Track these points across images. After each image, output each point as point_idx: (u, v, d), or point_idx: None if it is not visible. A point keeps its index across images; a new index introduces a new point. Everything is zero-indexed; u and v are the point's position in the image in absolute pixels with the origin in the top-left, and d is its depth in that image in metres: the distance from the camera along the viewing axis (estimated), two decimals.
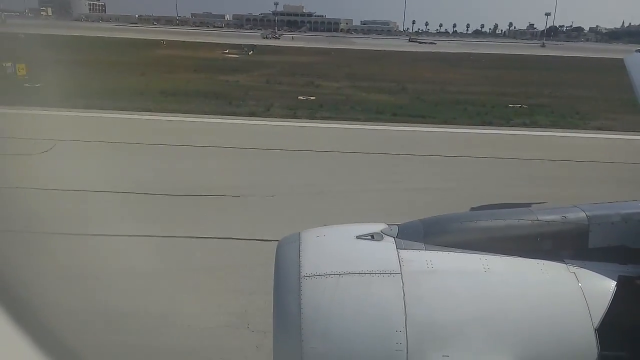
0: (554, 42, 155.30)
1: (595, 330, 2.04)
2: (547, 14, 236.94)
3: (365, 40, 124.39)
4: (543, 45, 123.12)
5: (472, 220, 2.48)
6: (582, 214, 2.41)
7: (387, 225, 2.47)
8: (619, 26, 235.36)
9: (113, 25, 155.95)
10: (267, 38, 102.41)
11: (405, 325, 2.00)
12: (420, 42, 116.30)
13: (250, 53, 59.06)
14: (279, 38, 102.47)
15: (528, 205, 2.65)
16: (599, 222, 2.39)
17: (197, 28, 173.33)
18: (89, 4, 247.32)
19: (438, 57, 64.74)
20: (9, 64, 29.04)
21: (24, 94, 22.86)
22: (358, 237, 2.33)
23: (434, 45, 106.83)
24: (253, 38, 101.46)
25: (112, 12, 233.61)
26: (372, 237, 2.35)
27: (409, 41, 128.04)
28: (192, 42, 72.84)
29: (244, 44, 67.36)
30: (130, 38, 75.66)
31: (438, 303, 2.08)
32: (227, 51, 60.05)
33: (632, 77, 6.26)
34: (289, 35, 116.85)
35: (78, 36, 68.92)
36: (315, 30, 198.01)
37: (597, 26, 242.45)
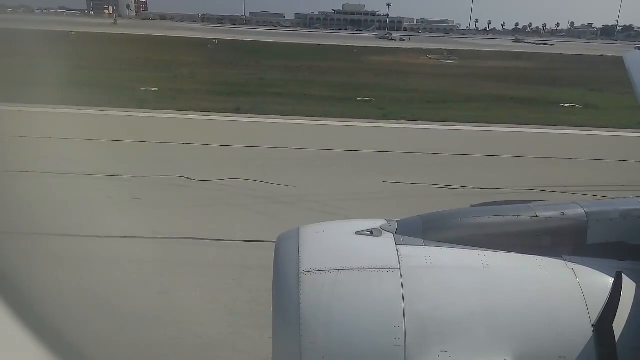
0: (630, 42, 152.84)
1: (593, 325, 2.05)
2: None
3: (469, 40, 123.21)
4: None
5: (471, 216, 2.47)
6: (581, 211, 2.39)
7: (386, 221, 2.44)
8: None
9: (200, 25, 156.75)
10: (391, 40, 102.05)
11: (404, 321, 2.00)
12: (536, 43, 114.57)
13: (449, 58, 58.65)
14: (403, 40, 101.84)
15: (528, 202, 2.50)
16: (597, 219, 2.36)
17: (273, 28, 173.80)
18: (135, 2, 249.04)
19: None
20: None
21: None
22: (357, 233, 2.32)
23: (553, 46, 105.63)
24: (366, 39, 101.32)
25: (153, 10, 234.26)
26: (371, 232, 2.33)
27: (514, 41, 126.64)
28: (370, 47, 72.57)
29: (443, 49, 66.90)
30: (293, 43, 75.49)
31: (437, 298, 2.08)
32: (432, 57, 59.60)
33: (632, 74, 5.83)
34: (397, 36, 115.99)
35: (258, 42, 68.93)
36: (379, 29, 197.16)
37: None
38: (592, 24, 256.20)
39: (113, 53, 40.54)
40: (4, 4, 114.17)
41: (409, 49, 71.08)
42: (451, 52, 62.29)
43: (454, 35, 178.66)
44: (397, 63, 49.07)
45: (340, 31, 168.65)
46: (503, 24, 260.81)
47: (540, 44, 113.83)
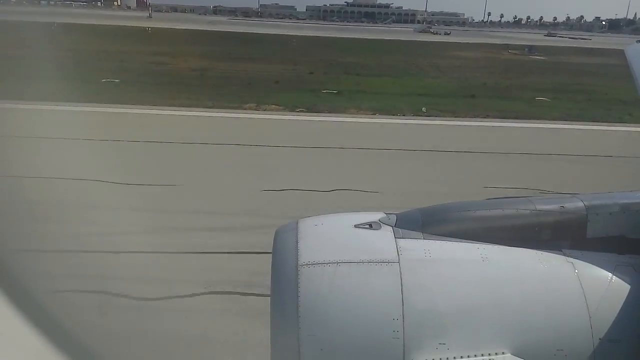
0: None
1: (591, 319, 2.07)
2: None
3: (497, 33, 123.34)
4: None
5: (470, 209, 2.48)
6: (581, 204, 2.40)
7: (385, 214, 2.45)
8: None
9: (225, 18, 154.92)
10: (435, 34, 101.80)
11: (403, 314, 2.01)
12: (573, 38, 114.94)
13: (535, 53, 58.73)
14: (447, 34, 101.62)
15: (529, 197, 2.55)
16: (597, 212, 2.38)
17: (292, 21, 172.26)
18: None
19: None
20: None
21: None
22: (356, 226, 2.33)
23: (590, 40, 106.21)
24: (407, 33, 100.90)
25: (155, 2, 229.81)
26: (370, 226, 2.34)
27: (547, 35, 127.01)
28: (440, 43, 72.19)
29: (523, 44, 66.84)
30: (362, 39, 74.90)
31: (435, 292, 2.09)
32: (515, 52, 59.59)
33: (633, 68, 5.90)
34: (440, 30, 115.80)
35: (334, 38, 68.05)
36: (394, 22, 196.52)
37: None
38: (599, 17, 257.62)
39: (256, 54, 39.62)
40: None
41: (477, 44, 70.76)
42: (531, 48, 62.21)
43: (477, 29, 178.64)
44: (498, 60, 48.97)
45: (360, 24, 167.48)
46: (515, 17, 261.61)
47: (577, 38, 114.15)
